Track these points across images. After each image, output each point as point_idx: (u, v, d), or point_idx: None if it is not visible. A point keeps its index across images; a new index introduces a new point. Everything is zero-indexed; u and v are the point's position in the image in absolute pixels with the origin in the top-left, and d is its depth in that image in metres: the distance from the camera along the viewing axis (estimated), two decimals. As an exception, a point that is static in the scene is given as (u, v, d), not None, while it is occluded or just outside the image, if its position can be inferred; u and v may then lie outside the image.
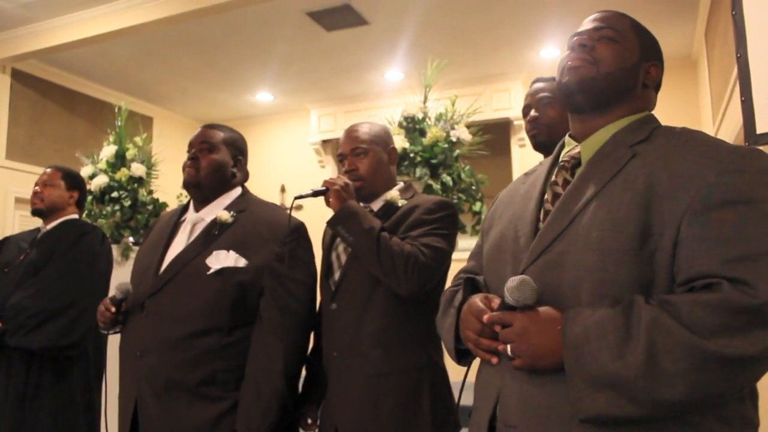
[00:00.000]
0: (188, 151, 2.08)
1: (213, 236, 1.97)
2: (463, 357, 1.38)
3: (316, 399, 2.07)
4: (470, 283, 1.38)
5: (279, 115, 7.75)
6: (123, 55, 5.86)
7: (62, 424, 2.63)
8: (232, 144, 2.12)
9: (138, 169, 4.16)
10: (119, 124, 4.31)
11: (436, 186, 2.99)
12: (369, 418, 1.87)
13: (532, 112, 2.05)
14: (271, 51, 5.82)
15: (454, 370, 1.73)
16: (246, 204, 2.08)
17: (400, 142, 3.01)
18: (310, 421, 2.07)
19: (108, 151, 4.23)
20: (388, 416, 1.86)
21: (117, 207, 4.03)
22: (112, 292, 1.99)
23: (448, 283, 2.17)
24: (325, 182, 1.99)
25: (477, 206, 3.13)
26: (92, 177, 4.13)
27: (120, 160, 4.21)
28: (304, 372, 2.15)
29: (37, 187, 2.89)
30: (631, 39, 1.28)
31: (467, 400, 1.34)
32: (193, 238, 2.01)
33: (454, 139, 3.06)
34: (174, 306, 1.90)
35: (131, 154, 4.23)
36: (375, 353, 1.90)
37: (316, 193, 1.99)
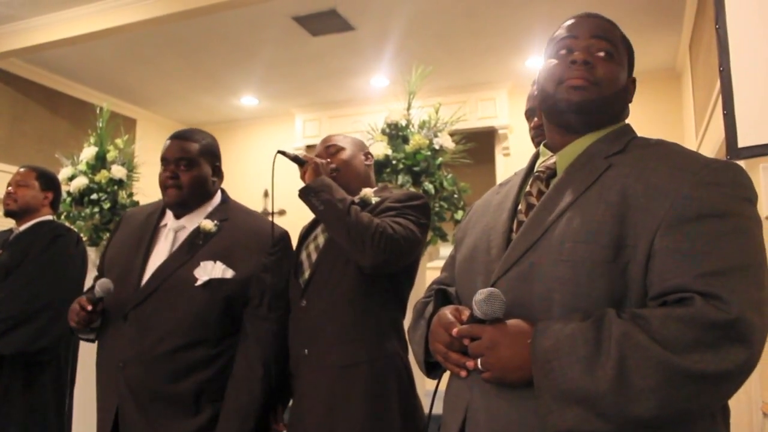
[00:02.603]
0: (164, 166, 2.00)
1: (197, 246, 1.95)
2: (432, 370, 1.37)
3: (282, 401, 2.09)
4: (441, 295, 1.36)
5: (264, 120, 7.71)
6: (107, 55, 5.81)
7: (32, 431, 2.58)
8: (209, 153, 2.07)
9: (118, 172, 4.10)
10: (100, 125, 4.26)
11: (418, 193, 2.98)
12: (341, 410, 1.89)
13: (537, 119, 2.00)
14: (256, 55, 5.79)
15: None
16: (228, 212, 2.06)
17: (382, 148, 3.00)
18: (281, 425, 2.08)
19: (88, 152, 4.17)
20: (360, 406, 1.88)
21: (96, 209, 3.98)
22: (95, 289, 1.91)
23: (418, 284, 2.18)
24: (306, 156, 2.01)
25: (459, 215, 3.11)
26: (72, 178, 4.08)
27: (100, 162, 4.16)
28: None
29: (10, 188, 2.83)
30: (623, 54, 1.27)
31: (438, 409, 1.32)
32: (176, 247, 1.97)
33: (437, 147, 3.05)
34: (159, 318, 1.87)
35: (112, 156, 4.18)
36: (341, 346, 1.92)
37: (296, 159, 2.01)
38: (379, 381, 1.91)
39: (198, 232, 1.97)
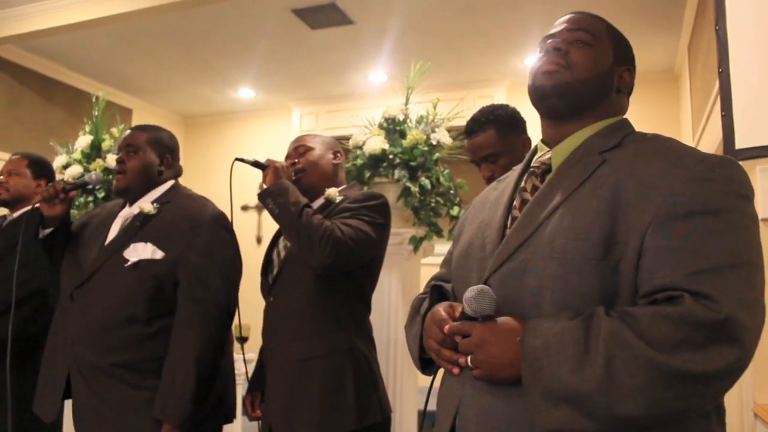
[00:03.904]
0: (117, 154, 2.15)
1: (135, 228, 2.05)
2: (427, 366, 1.37)
3: (260, 387, 2.19)
4: (437, 291, 1.36)
5: (261, 112, 7.68)
6: (104, 44, 5.77)
7: (22, 418, 2.56)
8: (157, 143, 2.18)
9: (113, 161, 4.06)
10: (96, 114, 4.24)
11: (415, 188, 2.96)
12: (296, 403, 1.96)
13: (484, 171, 2.05)
14: (254, 47, 5.77)
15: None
16: (172, 196, 2.15)
17: (379, 143, 2.98)
18: (258, 411, 2.18)
19: (83, 141, 4.15)
20: (314, 400, 1.95)
21: (90, 198, 3.95)
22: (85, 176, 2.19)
23: (413, 280, 2.18)
24: (268, 160, 2.09)
25: (455, 210, 3.10)
26: (66, 167, 4.05)
27: (95, 151, 4.14)
28: (256, 361, 2.28)
29: (1, 177, 2.80)
30: (605, 43, 1.26)
31: (433, 406, 1.32)
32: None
33: (434, 143, 3.03)
34: (97, 297, 1.99)
35: (107, 145, 4.15)
36: (300, 340, 2.01)
37: (256, 164, 2.10)
38: (334, 375, 1.98)
39: (139, 215, 2.08)
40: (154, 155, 2.16)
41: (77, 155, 4.10)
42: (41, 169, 2.90)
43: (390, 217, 2.15)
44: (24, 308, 2.53)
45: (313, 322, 2.02)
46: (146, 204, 2.08)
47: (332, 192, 2.16)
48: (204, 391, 1.95)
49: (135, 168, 2.11)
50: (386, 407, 2.08)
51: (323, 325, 2.02)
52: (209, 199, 2.23)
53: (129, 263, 1.97)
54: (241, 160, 2.10)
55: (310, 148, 2.22)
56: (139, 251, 1.98)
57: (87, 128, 4.23)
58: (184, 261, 1.99)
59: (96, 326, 1.96)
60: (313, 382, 1.97)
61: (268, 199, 1.98)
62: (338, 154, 2.30)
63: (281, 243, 2.19)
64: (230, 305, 2.07)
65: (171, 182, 2.20)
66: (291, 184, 2.01)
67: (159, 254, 1.98)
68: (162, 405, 1.89)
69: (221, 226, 2.10)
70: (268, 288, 2.15)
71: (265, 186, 2.03)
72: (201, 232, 2.03)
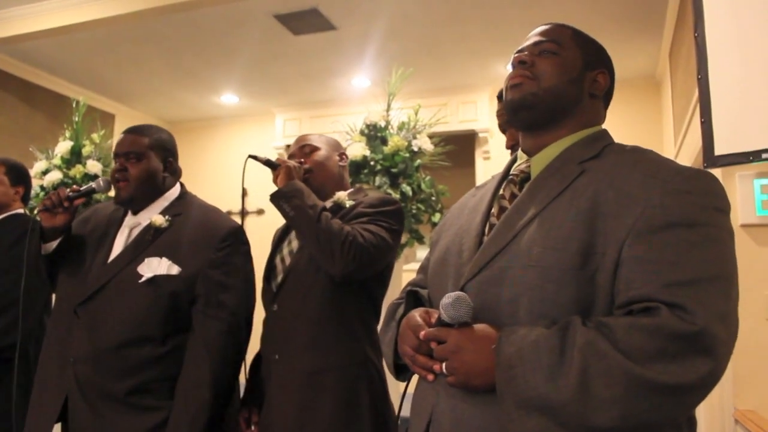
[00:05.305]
0: (115, 161, 1.99)
1: (146, 242, 1.93)
2: (401, 372, 1.35)
3: (257, 402, 2.04)
4: (412, 297, 1.35)
5: (244, 118, 7.66)
6: (86, 49, 5.73)
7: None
8: (160, 147, 2.04)
9: (94, 167, 4.05)
10: (76, 119, 4.21)
11: (396, 195, 2.96)
12: (309, 416, 1.85)
13: (508, 139, 2.00)
14: (237, 52, 5.74)
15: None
16: (183, 207, 2.03)
17: (360, 149, 2.98)
18: (253, 428, 2.03)
19: (63, 146, 4.12)
20: (328, 414, 1.85)
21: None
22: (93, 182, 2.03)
23: (394, 287, 2.12)
24: (279, 159, 1.99)
25: (436, 217, 3.10)
26: (45, 173, 4.02)
27: (75, 157, 4.11)
28: (246, 375, 2.13)
29: None
30: (572, 49, 1.26)
31: (407, 411, 1.31)
32: (127, 244, 1.95)
33: (415, 149, 3.03)
34: (106, 314, 1.85)
35: (87, 151, 4.13)
36: (311, 351, 1.89)
37: (268, 162, 2.00)
38: (349, 388, 1.88)
39: (149, 227, 1.95)
40: (158, 161, 2.02)
41: (57, 161, 4.07)
42: (19, 175, 2.86)
43: (404, 223, 2.07)
44: (2, 317, 2.48)
45: (326, 333, 1.91)
46: (157, 216, 1.96)
47: (342, 196, 2.07)
48: (218, 413, 1.85)
49: (140, 177, 1.97)
50: (396, 422, 1.97)
51: (337, 336, 1.91)
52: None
53: (143, 279, 1.85)
54: (254, 157, 2.01)
55: (316, 148, 2.12)
56: (154, 266, 1.87)
57: (67, 134, 4.20)
58: (203, 277, 1.89)
59: (106, 346, 1.82)
60: (327, 397, 1.86)
61: (282, 200, 1.88)
62: (344, 156, 2.21)
63: (285, 249, 2.08)
64: (248, 322, 1.99)
65: (177, 188, 2.09)
66: (305, 186, 1.93)
67: (175, 269, 1.87)
68: (174, 428, 1.78)
69: (240, 241, 2.00)
70: (271, 296, 2.01)
71: (276, 187, 1.95)
72: (220, 247, 1.94)
